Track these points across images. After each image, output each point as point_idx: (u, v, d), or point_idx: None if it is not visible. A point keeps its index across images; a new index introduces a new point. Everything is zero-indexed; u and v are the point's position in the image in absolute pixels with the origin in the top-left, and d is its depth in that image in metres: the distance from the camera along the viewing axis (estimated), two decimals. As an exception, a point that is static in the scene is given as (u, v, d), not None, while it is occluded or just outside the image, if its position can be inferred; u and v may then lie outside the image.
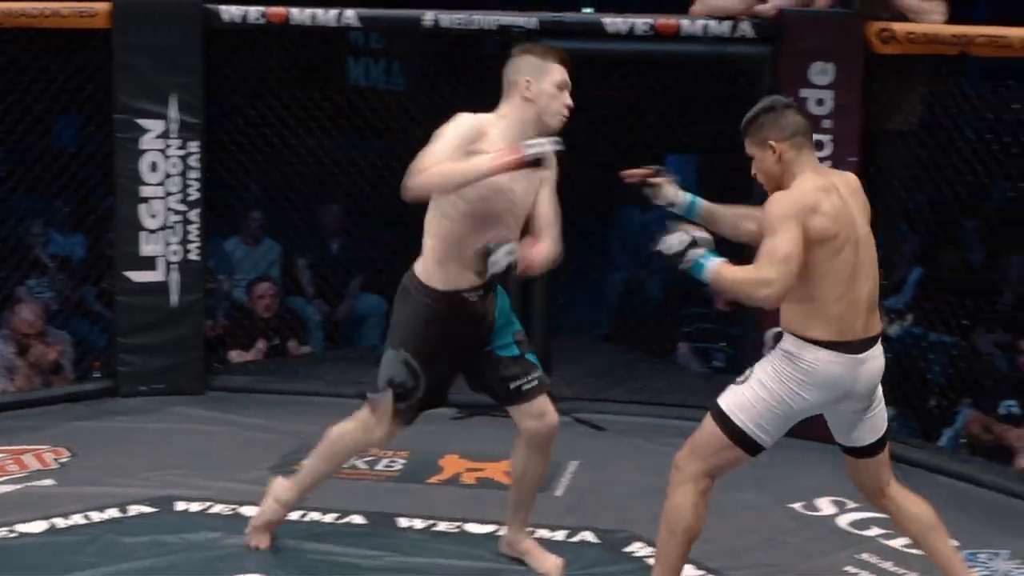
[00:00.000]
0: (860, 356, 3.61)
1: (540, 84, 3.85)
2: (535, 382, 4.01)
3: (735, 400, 3.68)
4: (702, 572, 4.35)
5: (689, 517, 3.74)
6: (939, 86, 5.49)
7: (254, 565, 4.21)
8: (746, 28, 5.46)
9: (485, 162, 3.63)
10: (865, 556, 4.52)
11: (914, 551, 4.44)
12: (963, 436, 6.13)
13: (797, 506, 4.95)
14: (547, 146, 3.76)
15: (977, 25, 5.34)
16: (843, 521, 4.83)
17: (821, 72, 5.33)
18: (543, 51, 3.95)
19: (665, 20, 5.55)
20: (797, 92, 5.27)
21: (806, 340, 3.59)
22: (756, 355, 5.54)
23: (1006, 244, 6.97)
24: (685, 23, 5.58)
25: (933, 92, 5.51)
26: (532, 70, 3.86)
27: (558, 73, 3.87)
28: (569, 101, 3.86)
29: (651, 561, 4.26)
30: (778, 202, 3.57)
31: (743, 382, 3.73)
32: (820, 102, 5.35)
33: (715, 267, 3.58)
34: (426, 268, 3.91)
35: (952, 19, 5.36)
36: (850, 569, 4.42)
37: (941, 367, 6.40)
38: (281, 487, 4.19)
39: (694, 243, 3.65)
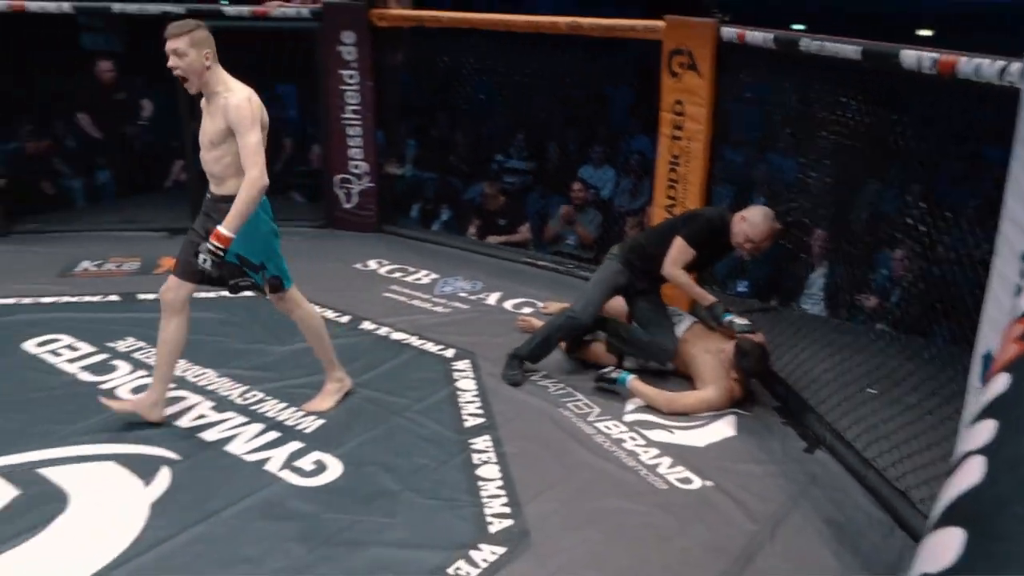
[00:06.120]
0: None
1: (212, 59, 2.88)
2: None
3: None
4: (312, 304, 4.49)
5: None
6: (413, 42, 5.53)
7: (46, 328, 4.01)
8: (306, 12, 5.43)
9: None
10: (395, 287, 4.73)
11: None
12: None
13: (358, 265, 5.13)
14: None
15: (433, 10, 5.38)
16: (382, 271, 4.99)
17: (349, 36, 5.36)
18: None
19: (259, 8, 5.40)
20: (336, 48, 5.36)
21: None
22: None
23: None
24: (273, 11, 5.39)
25: (410, 45, 5.57)
26: (211, 47, 2.88)
27: None
28: None
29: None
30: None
31: None
32: (350, 52, 5.37)
33: None
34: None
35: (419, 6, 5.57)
36: (387, 294, 4.67)
37: (431, 190, 6.52)
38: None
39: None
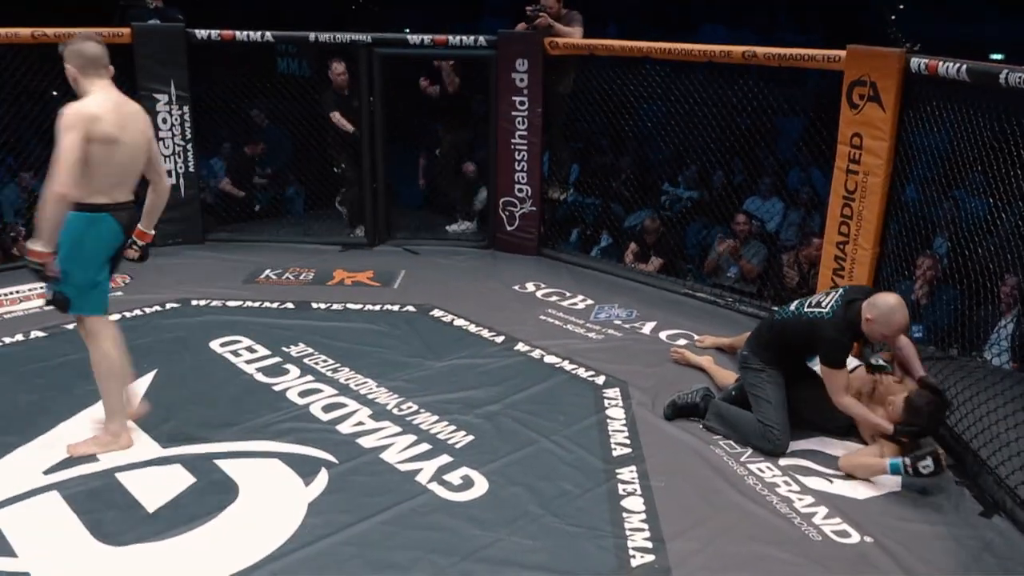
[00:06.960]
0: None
1: (77, 74, 2.90)
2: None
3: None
4: (470, 323, 4.54)
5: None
6: (582, 70, 5.55)
7: (230, 329, 4.32)
8: (482, 41, 5.57)
9: None
10: (550, 311, 4.79)
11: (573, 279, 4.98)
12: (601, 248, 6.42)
13: (516, 287, 5.18)
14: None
15: (604, 39, 5.43)
16: (539, 294, 5.08)
17: (521, 64, 5.45)
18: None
19: (439, 36, 5.58)
20: (510, 75, 5.45)
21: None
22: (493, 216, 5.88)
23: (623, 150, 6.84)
24: (451, 39, 5.57)
25: (579, 73, 5.58)
26: (74, 62, 2.89)
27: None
28: None
29: (445, 319, 4.62)
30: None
31: None
32: (522, 80, 5.45)
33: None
34: None
35: (588, 35, 5.51)
36: (542, 317, 4.69)
37: (592, 216, 6.64)
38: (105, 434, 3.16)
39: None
